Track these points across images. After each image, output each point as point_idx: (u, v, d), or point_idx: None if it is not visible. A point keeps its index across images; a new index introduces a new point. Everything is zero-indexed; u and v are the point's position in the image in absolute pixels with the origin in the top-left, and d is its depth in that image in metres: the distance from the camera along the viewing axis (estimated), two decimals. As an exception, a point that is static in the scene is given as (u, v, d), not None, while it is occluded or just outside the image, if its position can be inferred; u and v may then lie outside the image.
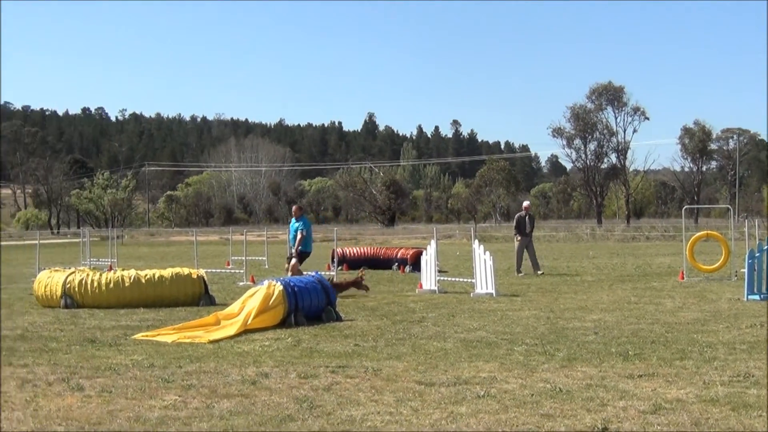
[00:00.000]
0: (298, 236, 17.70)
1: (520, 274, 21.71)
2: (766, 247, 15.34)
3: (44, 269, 17.38)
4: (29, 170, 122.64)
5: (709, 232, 23.54)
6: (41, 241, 30.71)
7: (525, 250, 22.58)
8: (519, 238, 22.87)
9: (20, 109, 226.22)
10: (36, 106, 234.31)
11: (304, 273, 15.99)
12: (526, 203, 24.20)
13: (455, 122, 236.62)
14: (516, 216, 23.63)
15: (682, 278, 19.52)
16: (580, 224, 76.02)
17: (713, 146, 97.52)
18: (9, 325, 12.47)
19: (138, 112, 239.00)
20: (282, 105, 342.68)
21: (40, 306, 15.14)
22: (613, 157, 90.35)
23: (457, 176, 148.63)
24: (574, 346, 9.73)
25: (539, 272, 22.03)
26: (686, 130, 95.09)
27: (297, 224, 17.93)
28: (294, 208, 18.69)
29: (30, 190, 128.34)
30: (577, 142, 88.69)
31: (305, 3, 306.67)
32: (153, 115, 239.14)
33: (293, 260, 17.58)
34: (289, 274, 16.57)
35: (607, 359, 8.82)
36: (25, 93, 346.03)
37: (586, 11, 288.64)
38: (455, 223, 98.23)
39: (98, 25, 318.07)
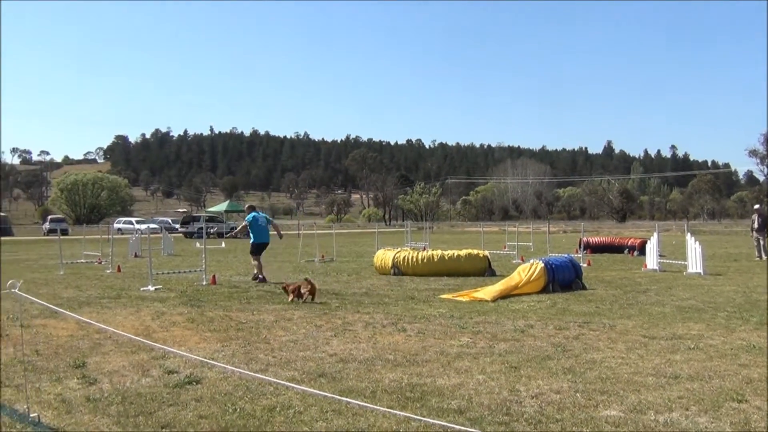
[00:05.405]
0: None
1: (756, 259, 20.14)
2: None
3: (381, 249, 18.42)
4: (371, 182, 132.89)
5: None
6: (379, 230, 32.81)
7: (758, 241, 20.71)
8: (752, 233, 21.26)
9: (366, 140, 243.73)
10: (376, 138, 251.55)
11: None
12: (756, 206, 21.80)
13: (673, 146, 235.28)
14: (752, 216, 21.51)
15: None
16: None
17: None
18: (358, 285, 13.37)
19: (444, 141, 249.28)
20: (544, 133, 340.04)
21: (377, 273, 15.96)
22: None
23: (673, 186, 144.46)
24: (765, 314, 8.99)
25: (760, 258, 20.08)
26: None
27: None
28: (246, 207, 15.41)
29: (372, 195, 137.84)
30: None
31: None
32: (454, 144, 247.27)
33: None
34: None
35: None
36: (370, 128, 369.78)
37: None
38: (672, 220, 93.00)
39: (409, 75, 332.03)
